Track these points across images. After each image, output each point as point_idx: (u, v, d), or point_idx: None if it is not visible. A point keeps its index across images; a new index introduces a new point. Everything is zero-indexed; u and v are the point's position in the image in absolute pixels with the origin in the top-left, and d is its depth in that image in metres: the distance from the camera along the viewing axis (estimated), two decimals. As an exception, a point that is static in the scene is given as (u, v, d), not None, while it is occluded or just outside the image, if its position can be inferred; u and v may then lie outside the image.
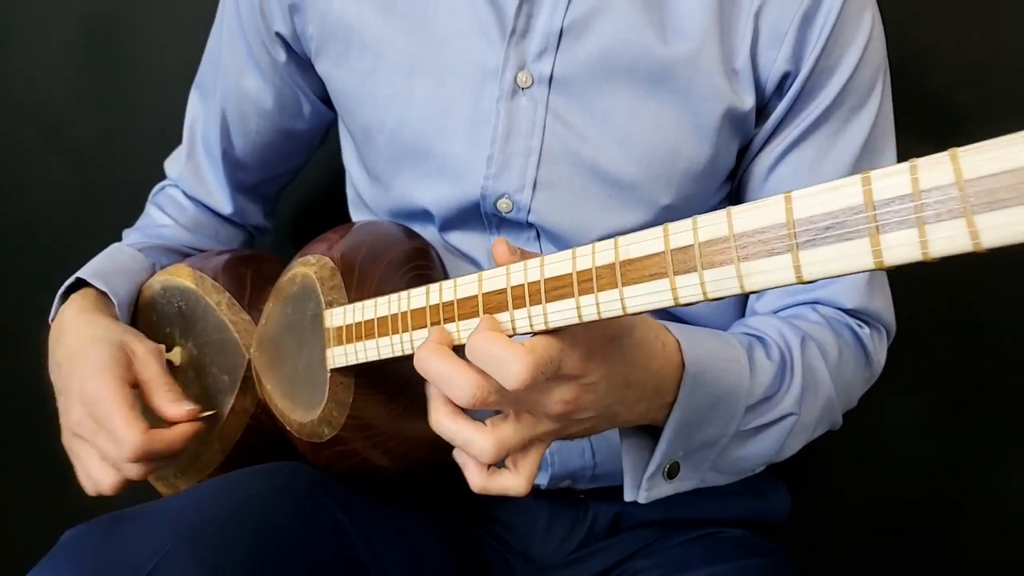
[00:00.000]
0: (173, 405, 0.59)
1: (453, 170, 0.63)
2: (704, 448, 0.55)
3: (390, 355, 0.51)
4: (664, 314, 0.67)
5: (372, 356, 0.52)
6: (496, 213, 0.63)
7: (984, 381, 0.94)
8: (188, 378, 0.68)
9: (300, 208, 0.97)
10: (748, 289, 0.35)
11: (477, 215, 0.64)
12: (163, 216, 0.80)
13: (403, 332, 0.50)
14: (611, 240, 0.40)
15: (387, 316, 0.51)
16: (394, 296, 0.51)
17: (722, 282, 0.36)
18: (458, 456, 0.48)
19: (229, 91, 0.75)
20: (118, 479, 0.59)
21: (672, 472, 0.54)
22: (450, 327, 0.47)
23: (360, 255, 0.60)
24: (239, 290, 0.68)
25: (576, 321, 0.41)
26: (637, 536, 0.70)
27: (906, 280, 0.83)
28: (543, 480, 0.68)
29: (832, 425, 0.65)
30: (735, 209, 0.36)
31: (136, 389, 0.60)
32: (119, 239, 0.79)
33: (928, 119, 0.87)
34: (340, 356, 0.55)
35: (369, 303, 0.53)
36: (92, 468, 0.60)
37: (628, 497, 0.54)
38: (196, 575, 0.45)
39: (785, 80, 0.62)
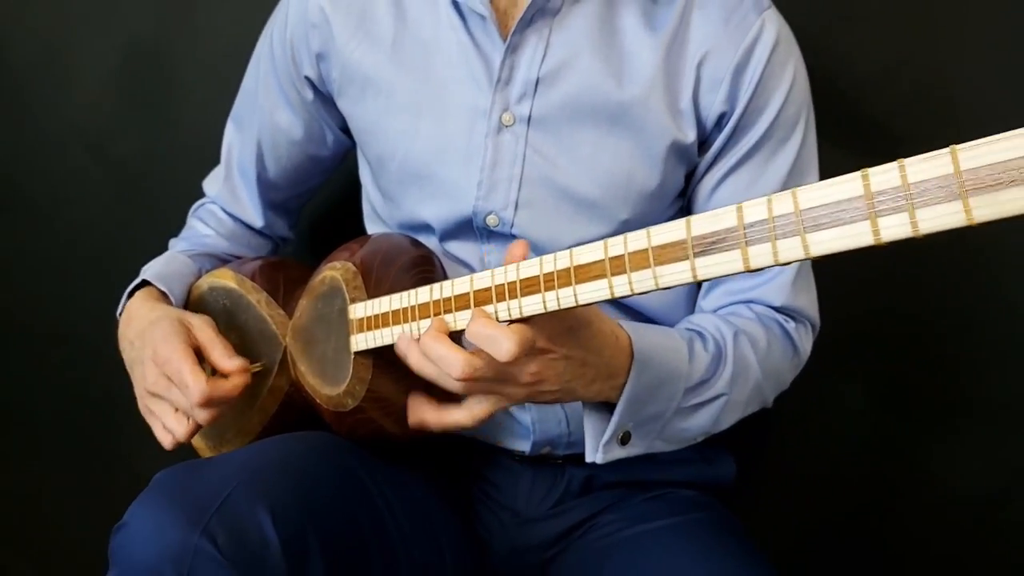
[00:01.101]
0: (228, 360, 0.71)
1: (451, 192, 0.77)
2: (650, 421, 0.69)
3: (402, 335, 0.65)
4: (629, 311, 0.81)
5: (387, 341, 0.66)
6: (486, 227, 0.77)
7: (926, 371, 1.06)
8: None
9: (318, 221, 1.11)
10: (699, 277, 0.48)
11: (470, 228, 0.78)
12: (206, 228, 0.94)
13: (412, 321, 0.64)
14: (567, 250, 0.54)
15: (399, 309, 0.65)
16: (404, 294, 0.65)
17: (644, 282, 0.50)
18: (412, 401, 0.66)
19: (264, 124, 0.89)
20: (191, 426, 0.71)
21: (625, 439, 0.68)
22: (448, 317, 0.61)
23: (377, 261, 0.73)
24: (274, 290, 0.82)
25: (542, 310, 0.55)
26: (606, 495, 0.83)
27: (861, 279, 0.98)
28: (526, 447, 0.81)
29: (762, 404, 0.78)
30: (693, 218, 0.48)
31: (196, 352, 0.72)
32: (154, 248, 0.92)
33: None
34: (362, 341, 0.69)
35: (385, 299, 0.67)
36: (168, 420, 0.72)
37: (588, 458, 0.67)
38: (257, 506, 0.59)
39: (722, 118, 0.76)
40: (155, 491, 0.60)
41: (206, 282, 0.85)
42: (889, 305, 1.04)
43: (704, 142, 0.78)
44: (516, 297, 0.56)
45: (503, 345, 0.54)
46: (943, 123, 0.98)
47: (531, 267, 0.56)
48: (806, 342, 0.82)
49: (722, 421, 0.75)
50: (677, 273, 0.47)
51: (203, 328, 0.74)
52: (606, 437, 0.66)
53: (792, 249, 0.41)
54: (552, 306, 0.54)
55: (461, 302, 0.60)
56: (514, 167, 0.75)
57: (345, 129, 0.88)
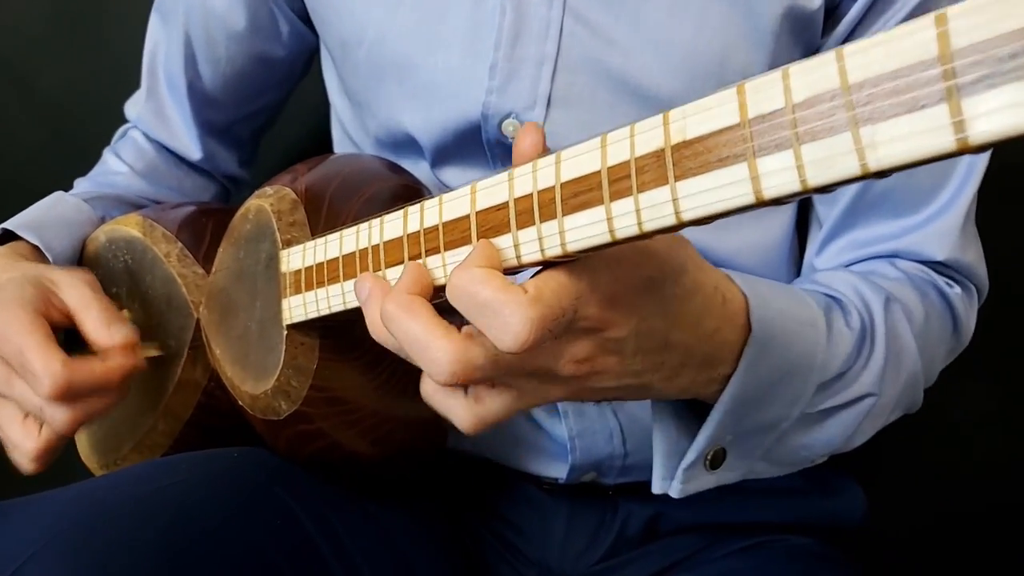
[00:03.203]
0: (106, 329, 0.46)
1: (447, 85, 0.51)
2: (759, 433, 0.43)
3: (358, 304, 0.39)
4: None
5: (337, 306, 0.40)
6: (501, 139, 0.51)
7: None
8: (133, 346, 0.56)
9: (285, 160, 0.86)
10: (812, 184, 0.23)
11: (477, 143, 0.52)
12: (118, 163, 0.69)
13: (376, 271, 0.38)
14: (658, 117, 0.28)
15: (354, 252, 0.39)
16: (364, 225, 0.39)
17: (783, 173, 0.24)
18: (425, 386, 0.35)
19: (193, 10, 0.63)
20: (46, 441, 0.47)
21: (716, 461, 0.42)
22: (433, 262, 0.35)
23: (332, 187, 0.48)
24: (195, 241, 0.56)
25: (607, 239, 0.29)
26: (678, 544, 0.58)
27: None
28: (561, 472, 0.56)
29: (910, 407, 0.53)
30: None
31: (60, 326, 0.48)
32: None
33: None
34: (298, 308, 0.43)
35: (333, 237, 0.41)
36: (13, 432, 0.48)
37: (657, 489, 0.42)
38: None
39: None
40: None
41: (104, 232, 0.60)
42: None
43: (832, 12, 0.51)
44: (554, 216, 0.30)
45: (508, 323, 0.29)
46: None
47: (585, 156, 0.29)
48: (971, 317, 0.56)
49: (859, 434, 0.49)
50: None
51: (74, 286, 0.49)
52: (691, 457, 0.41)
53: None
54: (626, 228, 0.28)
55: (456, 232, 0.34)
56: (545, 43, 0.49)
57: (305, 17, 0.62)
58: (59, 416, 0.45)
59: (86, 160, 0.94)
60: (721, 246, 0.54)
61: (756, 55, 0.50)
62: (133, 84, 0.87)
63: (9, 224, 0.57)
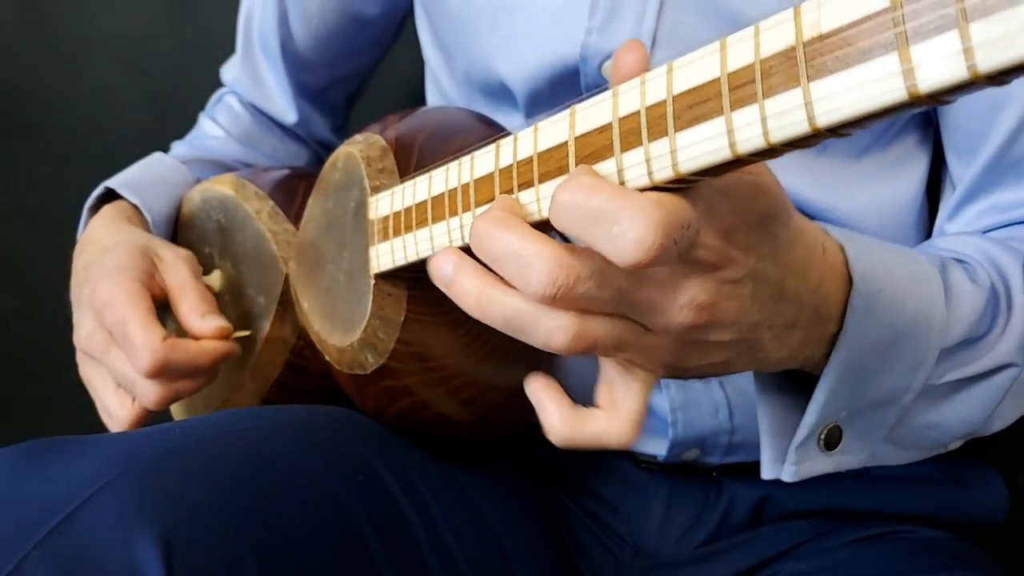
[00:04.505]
0: (200, 318, 0.47)
1: (543, 26, 0.48)
2: (878, 407, 0.39)
3: (450, 246, 0.36)
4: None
5: (425, 251, 0.38)
6: (601, 83, 0.48)
7: None
8: (224, 303, 0.56)
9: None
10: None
11: (575, 88, 0.49)
12: (214, 127, 0.69)
13: (464, 213, 0.35)
14: (787, 11, 0.24)
15: (443, 194, 0.37)
16: (453, 164, 0.36)
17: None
18: (532, 393, 0.33)
19: None
20: (136, 412, 0.48)
21: (831, 441, 0.38)
22: (526, 196, 0.32)
23: (422, 136, 0.45)
24: (287, 200, 0.55)
25: (727, 155, 0.25)
26: (788, 530, 0.53)
27: None
28: (661, 449, 0.52)
29: None
30: None
31: (161, 300, 0.48)
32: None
33: None
34: (386, 256, 0.40)
35: (422, 179, 0.38)
36: (107, 398, 0.49)
37: (767, 474, 0.38)
38: (135, 522, 0.31)
39: None
40: None
41: (199, 192, 0.59)
42: None
43: None
44: (665, 134, 0.27)
45: (630, 228, 0.25)
46: None
47: (702, 61, 0.26)
48: None
49: (1000, 415, 0.44)
50: None
51: (176, 266, 0.49)
52: (802, 434, 0.37)
53: None
54: (750, 140, 0.25)
55: (552, 162, 0.31)
56: None
57: None
58: (150, 391, 0.45)
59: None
60: (846, 205, 0.49)
61: None
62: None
63: (111, 183, 0.58)
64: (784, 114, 0.24)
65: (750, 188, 0.30)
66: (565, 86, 0.49)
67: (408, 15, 0.66)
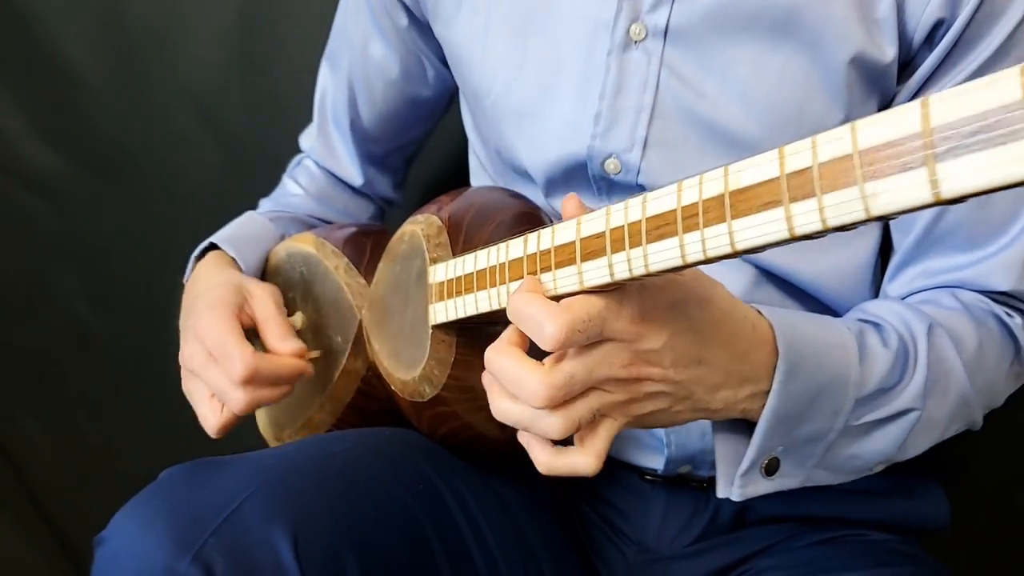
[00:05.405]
0: (282, 341, 0.59)
1: (558, 131, 0.60)
2: (808, 443, 0.50)
3: (487, 308, 0.49)
4: (793, 292, 0.61)
5: (471, 310, 0.50)
6: (604, 175, 0.60)
7: None
8: (307, 341, 0.68)
9: (430, 184, 0.97)
10: (873, 213, 0.30)
11: (584, 177, 0.61)
12: (295, 186, 0.82)
13: (500, 285, 0.47)
14: (720, 169, 0.36)
15: (486, 269, 0.49)
16: (494, 248, 0.48)
17: (843, 205, 0.31)
18: (521, 436, 0.45)
19: (355, 60, 0.75)
20: (226, 419, 0.58)
21: (772, 468, 0.50)
22: (546, 277, 0.44)
23: (469, 216, 0.58)
24: (358, 256, 0.68)
25: (679, 263, 0.37)
26: (764, 532, 0.64)
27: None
28: (658, 464, 0.63)
29: (970, 424, 0.57)
30: (860, 122, 0.30)
31: (245, 327, 0.60)
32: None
33: None
34: (441, 312, 0.53)
35: (470, 257, 0.51)
36: (202, 407, 0.60)
37: (721, 493, 0.50)
38: (274, 523, 0.44)
39: (937, 29, 0.54)
40: (146, 498, 0.47)
41: (284, 248, 0.72)
42: None
43: (908, 63, 0.56)
44: (640, 244, 0.39)
45: (544, 327, 0.39)
46: None
47: (664, 198, 0.38)
48: None
49: (910, 446, 0.54)
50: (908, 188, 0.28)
51: (263, 300, 0.61)
52: (744, 465, 0.49)
53: None
54: (694, 255, 0.36)
55: (563, 254, 0.43)
56: (644, 95, 0.57)
57: (446, 63, 0.73)
58: (238, 398, 0.56)
59: (255, 179, 1.06)
60: (808, 268, 0.60)
61: (833, 104, 0.55)
62: (297, 116, 0.97)
63: (214, 238, 0.71)
64: (716, 238, 0.36)
65: (662, 282, 0.41)
66: (576, 174, 0.61)
67: (456, 91, 0.78)
